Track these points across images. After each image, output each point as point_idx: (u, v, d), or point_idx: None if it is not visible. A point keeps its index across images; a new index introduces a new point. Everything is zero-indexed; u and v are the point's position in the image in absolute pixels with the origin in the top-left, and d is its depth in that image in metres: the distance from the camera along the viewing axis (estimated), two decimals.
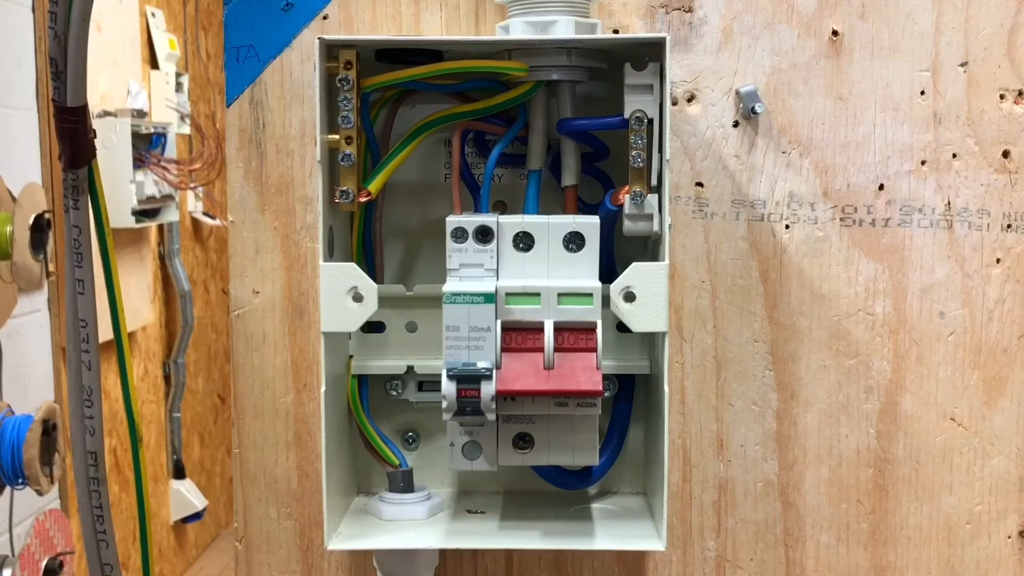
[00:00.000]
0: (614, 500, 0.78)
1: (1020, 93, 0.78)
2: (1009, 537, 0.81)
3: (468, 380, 0.66)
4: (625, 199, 0.70)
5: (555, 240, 0.69)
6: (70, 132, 0.70)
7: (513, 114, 0.74)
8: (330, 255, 0.71)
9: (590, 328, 0.67)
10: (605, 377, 0.71)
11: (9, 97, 1.56)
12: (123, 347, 0.75)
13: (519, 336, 0.67)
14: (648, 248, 0.74)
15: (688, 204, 0.78)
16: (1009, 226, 0.79)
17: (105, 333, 0.73)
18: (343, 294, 0.69)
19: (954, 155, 0.78)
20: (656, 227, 0.70)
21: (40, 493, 1.17)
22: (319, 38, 0.68)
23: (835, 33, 0.77)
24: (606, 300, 0.68)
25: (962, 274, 0.79)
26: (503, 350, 0.67)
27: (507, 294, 0.68)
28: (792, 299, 0.79)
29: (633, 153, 0.69)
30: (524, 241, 0.69)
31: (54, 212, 1.36)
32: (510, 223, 0.69)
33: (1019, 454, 0.80)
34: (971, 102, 0.78)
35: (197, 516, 2.41)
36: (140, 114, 2.07)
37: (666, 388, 0.68)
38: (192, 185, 2.21)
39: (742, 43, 0.77)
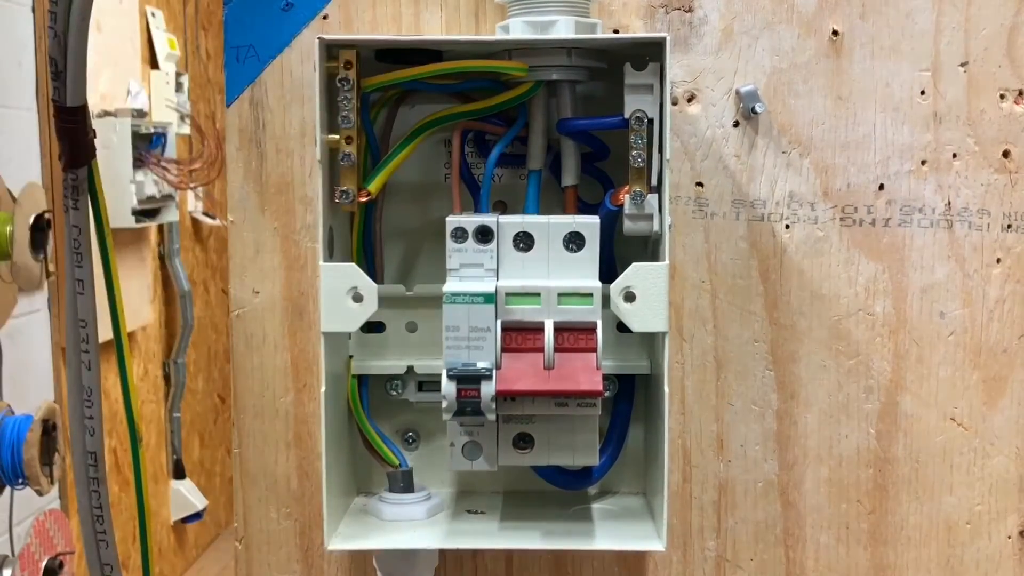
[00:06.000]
0: (614, 500, 0.78)
1: (1020, 93, 0.78)
2: (1009, 537, 0.81)
3: (468, 380, 0.66)
4: (625, 199, 0.70)
5: (555, 240, 0.69)
6: (70, 132, 0.70)
7: (513, 114, 0.74)
8: (330, 255, 0.71)
9: (590, 328, 0.67)
10: (605, 377, 0.70)
11: (9, 97, 1.56)
12: (123, 347, 0.75)
13: (519, 336, 0.67)
14: (648, 248, 0.74)
15: (688, 204, 0.78)
16: (1009, 226, 0.79)
17: (105, 333, 0.72)
18: (343, 294, 0.69)
19: (954, 155, 0.78)
20: (656, 227, 0.70)
21: (40, 493, 1.17)
22: (319, 38, 0.68)
23: (835, 33, 0.77)
24: (606, 300, 0.68)
25: (962, 274, 0.79)
26: (503, 350, 0.67)
27: (507, 294, 0.68)
28: (792, 299, 0.79)
29: (633, 153, 0.69)
30: (524, 241, 0.69)
31: (54, 212, 1.36)
32: (510, 223, 0.69)
33: (1019, 454, 0.80)
34: (971, 102, 0.78)
35: (197, 516, 2.41)
36: (140, 114, 2.07)
37: (666, 388, 0.68)
38: (192, 185, 2.21)
39: (742, 43, 0.77)
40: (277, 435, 0.80)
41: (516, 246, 0.69)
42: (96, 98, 1.96)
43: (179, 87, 2.37)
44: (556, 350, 0.67)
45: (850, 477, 0.80)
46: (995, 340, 0.79)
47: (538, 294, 0.68)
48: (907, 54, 0.78)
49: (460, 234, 0.69)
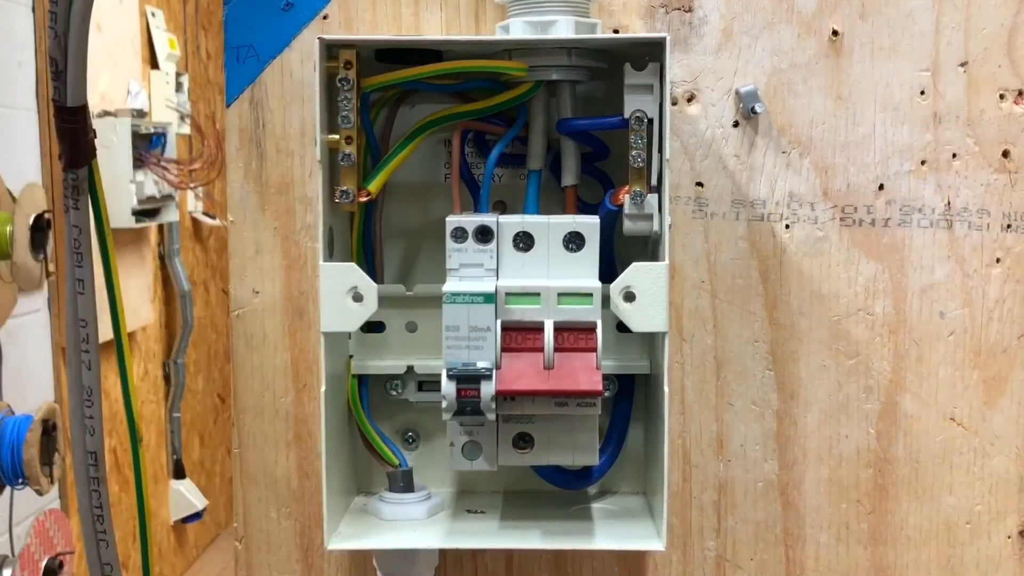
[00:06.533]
0: (614, 500, 0.78)
1: (1020, 93, 0.78)
2: (1009, 537, 0.81)
3: (468, 380, 0.66)
4: (625, 199, 0.70)
5: (555, 240, 0.69)
6: (70, 132, 0.70)
7: (513, 114, 0.74)
8: (330, 255, 0.71)
9: (590, 328, 0.67)
10: (605, 377, 0.70)
11: (9, 97, 1.56)
12: (123, 347, 0.75)
13: (519, 336, 0.67)
14: (648, 248, 0.74)
15: (688, 204, 0.78)
16: (1009, 226, 0.79)
17: (105, 333, 0.73)
18: (343, 294, 0.69)
19: (954, 155, 0.78)
20: (656, 227, 0.70)
21: (40, 493, 1.17)
22: (319, 38, 0.68)
23: (835, 33, 0.77)
24: (606, 300, 0.68)
25: (962, 274, 0.79)
26: (503, 350, 0.67)
27: (507, 294, 0.68)
28: (792, 299, 0.79)
29: (633, 153, 0.69)
30: (524, 241, 0.69)
31: (54, 212, 1.36)
32: (510, 223, 0.69)
33: (1019, 454, 0.80)
34: (971, 102, 0.78)
35: (197, 516, 2.41)
36: (140, 114, 2.06)
37: (666, 388, 0.68)
38: (192, 185, 2.21)
39: (742, 43, 0.77)
40: (277, 435, 0.80)
41: (516, 246, 0.69)
42: (96, 98, 1.96)
43: (179, 87, 2.37)
44: (556, 350, 0.67)
45: (850, 477, 0.80)
46: (995, 340, 0.79)
47: (538, 294, 0.68)
48: (907, 54, 0.78)
49: (460, 234, 0.69)
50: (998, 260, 0.79)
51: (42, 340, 1.62)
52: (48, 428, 1.16)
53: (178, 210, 2.28)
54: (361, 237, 0.74)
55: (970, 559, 0.81)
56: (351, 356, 0.76)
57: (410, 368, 0.76)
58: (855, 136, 0.78)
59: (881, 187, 0.78)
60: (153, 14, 2.30)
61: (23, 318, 1.54)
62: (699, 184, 0.78)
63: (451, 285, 0.68)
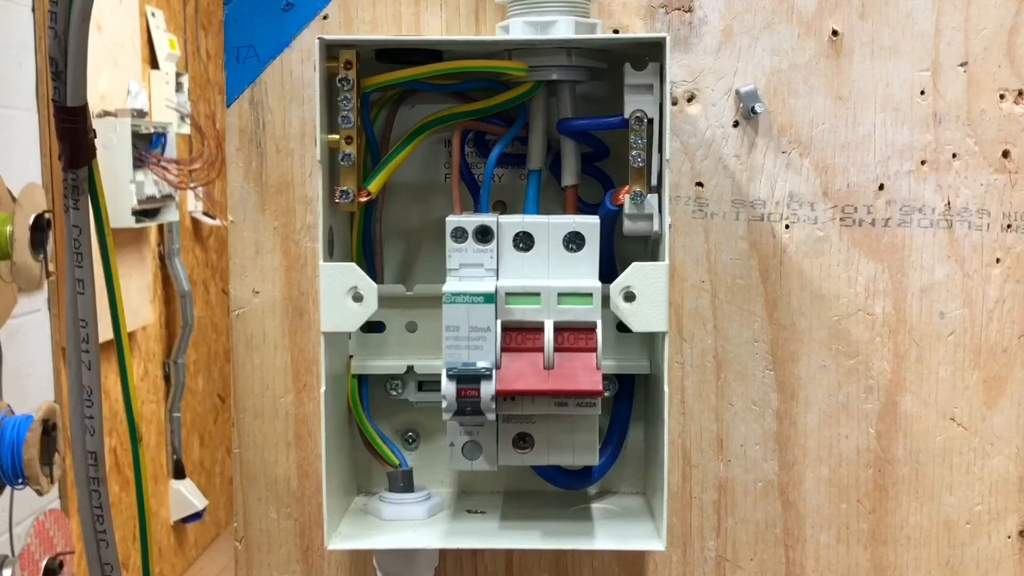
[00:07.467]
0: (614, 500, 0.78)
1: (1020, 93, 0.78)
2: (1009, 537, 0.81)
3: (468, 380, 0.66)
4: (625, 199, 0.70)
5: (555, 240, 0.69)
6: (70, 132, 0.70)
7: (513, 114, 0.74)
8: (330, 255, 0.71)
9: (590, 328, 0.67)
10: (605, 377, 0.70)
11: (9, 97, 1.56)
12: (123, 347, 0.75)
13: (519, 336, 0.67)
14: (648, 248, 0.74)
15: (688, 204, 0.78)
16: (1009, 226, 0.79)
17: (105, 333, 0.73)
18: (343, 294, 0.69)
19: (954, 155, 0.78)
20: (656, 227, 0.70)
21: (40, 493, 1.17)
22: (319, 38, 0.68)
23: (835, 33, 0.77)
24: (606, 300, 0.68)
25: (962, 274, 0.79)
26: (503, 350, 0.67)
27: (507, 294, 0.68)
28: (792, 299, 0.79)
29: (633, 153, 0.69)
30: (524, 241, 0.69)
31: (54, 212, 1.36)
32: (510, 223, 0.69)
33: (1019, 454, 0.80)
34: (971, 102, 0.78)
35: (197, 516, 2.41)
36: (140, 114, 2.06)
37: (666, 388, 0.68)
38: (192, 185, 2.21)
39: (742, 43, 0.77)
40: (277, 435, 0.80)
41: (516, 246, 0.69)
42: (96, 98, 1.96)
43: (179, 87, 2.36)
44: (556, 350, 0.67)
45: (850, 477, 0.80)
46: (995, 340, 0.79)
47: (538, 294, 0.68)
48: (907, 54, 0.78)
49: (460, 234, 0.69)
50: (998, 260, 0.79)
51: (42, 340, 1.62)
52: (48, 428, 1.16)
53: (178, 210, 2.28)
54: (361, 237, 0.74)
55: (970, 559, 0.81)
56: (351, 356, 0.76)
57: (410, 368, 0.76)
58: (855, 136, 0.78)
59: (881, 187, 0.78)
60: (153, 14, 2.30)
61: (23, 318, 1.54)
62: (699, 184, 0.78)
63: (451, 285, 0.68)
